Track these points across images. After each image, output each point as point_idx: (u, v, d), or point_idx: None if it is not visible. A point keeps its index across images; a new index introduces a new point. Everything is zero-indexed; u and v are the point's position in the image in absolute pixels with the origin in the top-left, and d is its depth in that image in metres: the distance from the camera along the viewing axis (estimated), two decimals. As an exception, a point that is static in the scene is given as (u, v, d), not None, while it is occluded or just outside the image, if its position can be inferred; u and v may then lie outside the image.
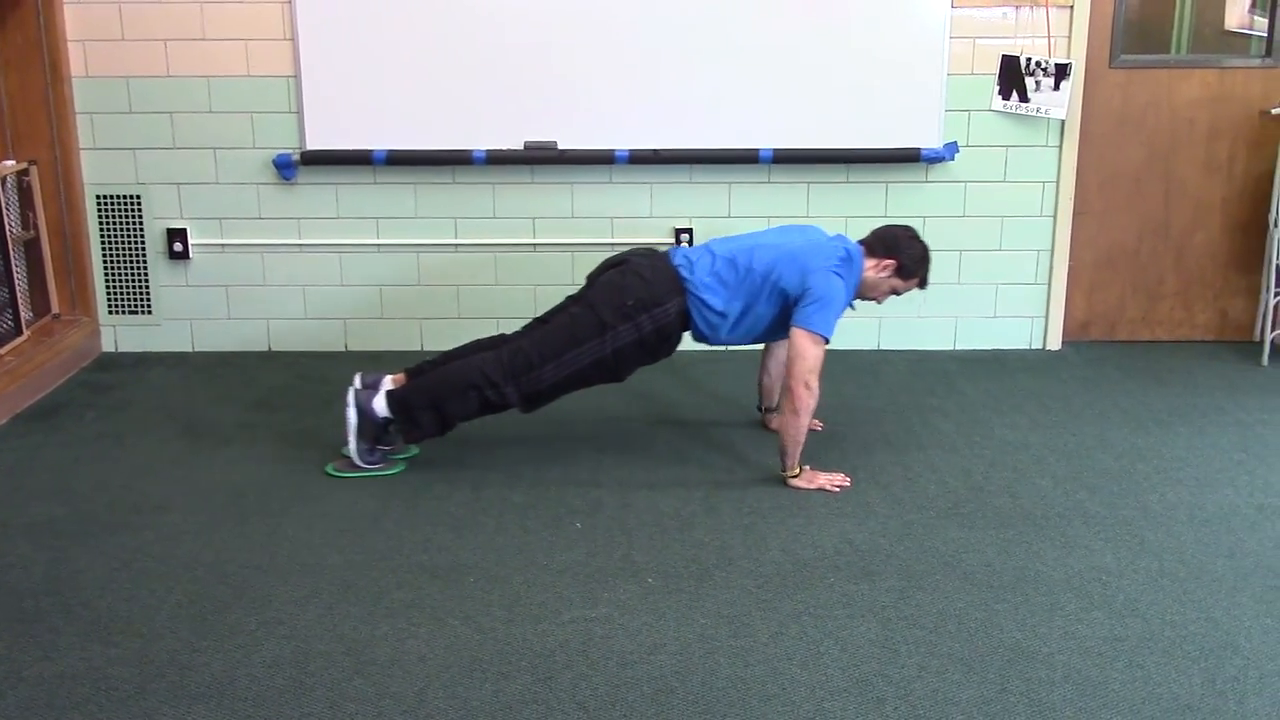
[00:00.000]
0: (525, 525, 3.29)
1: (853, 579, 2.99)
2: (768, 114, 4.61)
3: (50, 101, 4.53)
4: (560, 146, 4.62)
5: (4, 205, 4.36)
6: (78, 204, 4.66)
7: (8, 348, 4.32)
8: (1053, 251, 4.82)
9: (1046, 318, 4.89)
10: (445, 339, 4.76)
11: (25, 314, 4.49)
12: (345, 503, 3.43)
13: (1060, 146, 4.71)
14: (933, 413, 4.18)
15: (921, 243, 3.65)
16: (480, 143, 4.61)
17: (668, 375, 4.47)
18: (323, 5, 4.50)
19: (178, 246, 4.74)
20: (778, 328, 3.60)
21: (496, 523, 3.31)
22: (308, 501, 3.44)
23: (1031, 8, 4.58)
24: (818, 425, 4.00)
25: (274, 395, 4.35)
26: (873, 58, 4.58)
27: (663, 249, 3.69)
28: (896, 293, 3.69)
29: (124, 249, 4.76)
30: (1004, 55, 4.62)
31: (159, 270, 4.79)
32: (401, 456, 3.70)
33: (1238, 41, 4.81)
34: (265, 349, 4.86)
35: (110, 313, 4.82)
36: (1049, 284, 4.86)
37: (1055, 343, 4.92)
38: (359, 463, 3.59)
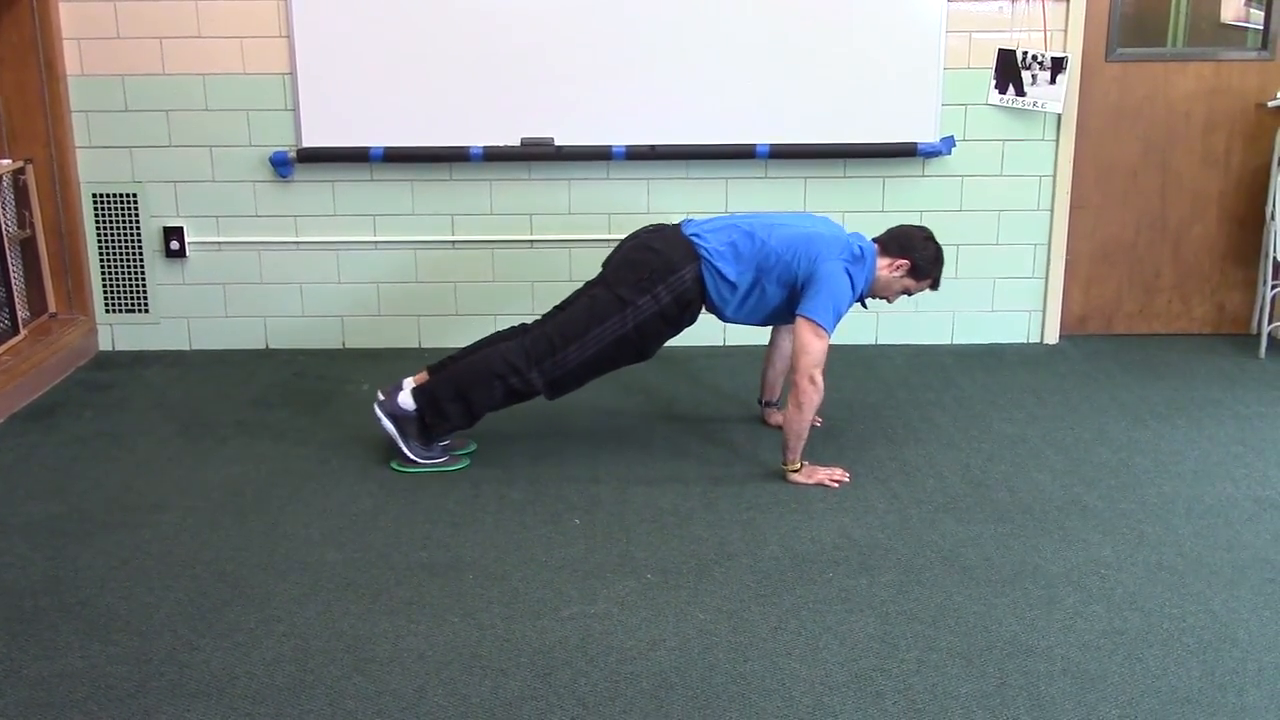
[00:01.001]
0: (524, 522, 3.29)
1: (851, 574, 2.99)
2: (764, 109, 4.60)
3: (46, 100, 4.53)
4: (557, 143, 4.61)
5: (0, 204, 4.35)
6: (74, 202, 4.66)
7: (4, 347, 4.32)
8: (1050, 245, 4.82)
9: (1044, 311, 4.90)
10: (443, 336, 4.77)
11: (22, 313, 4.49)
12: (344, 500, 3.43)
13: (1057, 140, 4.71)
14: (930, 407, 4.18)
15: (936, 244, 3.64)
16: (477, 139, 4.60)
17: (666, 370, 4.47)
18: (318, 2, 4.50)
19: (174, 245, 4.74)
20: (783, 312, 3.58)
21: (495, 519, 3.31)
22: (306, 499, 3.44)
23: (1028, 1, 4.58)
24: (817, 421, 3.99)
25: (271, 393, 4.35)
26: (869, 52, 4.57)
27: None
28: (909, 293, 3.68)
29: (120, 247, 4.76)
30: (1000, 49, 4.62)
31: (156, 269, 4.78)
32: (463, 452, 3.71)
33: (1234, 34, 4.81)
34: (263, 347, 4.85)
35: (107, 311, 4.82)
36: (1046, 278, 4.86)
37: (1053, 336, 4.92)
38: (418, 460, 3.60)
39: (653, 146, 4.62)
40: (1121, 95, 4.79)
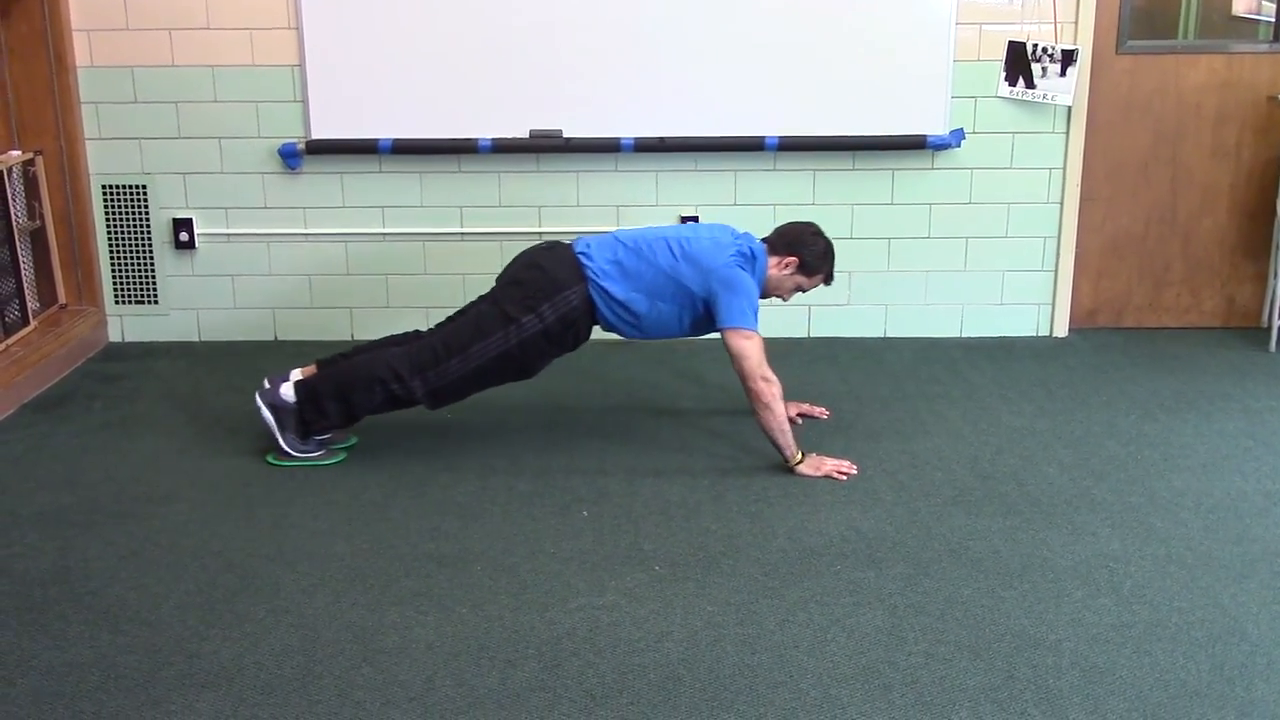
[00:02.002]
0: (532, 513, 3.29)
1: (859, 566, 2.99)
2: (773, 101, 4.60)
3: (55, 91, 4.54)
4: (566, 134, 4.61)
5: (10, 195, 4.36)
6: (83, 194, 4.67)
7: (15, 338, 4.33)
8: (1059, 238, 4.81)
9: (1053, 305, 4.88)
10: (451, 328, 4.77)
11: (32, 304, 4.50)
12: (352, 492, 3.43)
13: (1067, 133, 4.70)
14: (939, 400, 4.17)
15: (824, 239, 3.66)
16: (486, 131, 4.60)
17: (673, 366, 4.47)
18: (327, -6, 4.51)
19: (183, 236, 4.74)
20: (701, 325, 3.59)
21: (503, 511, 3.31)
22: (314, 491, 3.44)
23: (1038, -7, 4.57)
24: (823, 413, 4.00)
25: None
26: (879, 44, 4.56)
27: (568, 239, 3.66)
28: (802, 289, 3.69)
29: (130, 239, 4.77)
30: (1010, 41, 4.60)
31: (165, 260, 4.79)
32: (342, 446, 3.70)
33: (1245, 27, 4.79)
34: (271, 338, 4.86)
35: (117, 303, 4.83)
36: (1056, 271, 4.84)
37: (1062, 330, 4.91)
38: (293, 453, 3.60)
39: (661, 138, 4.62)
40: (1132, 88, 4.78)
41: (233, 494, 3.42)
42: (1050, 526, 3.21)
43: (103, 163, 4.69)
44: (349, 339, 4.83)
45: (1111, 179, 4.86)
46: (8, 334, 4.30)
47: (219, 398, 4.21)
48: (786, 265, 3.61)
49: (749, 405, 3.50)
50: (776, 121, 4.61)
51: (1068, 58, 4.58)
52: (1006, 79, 4.64)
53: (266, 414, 3.58)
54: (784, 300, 3.75)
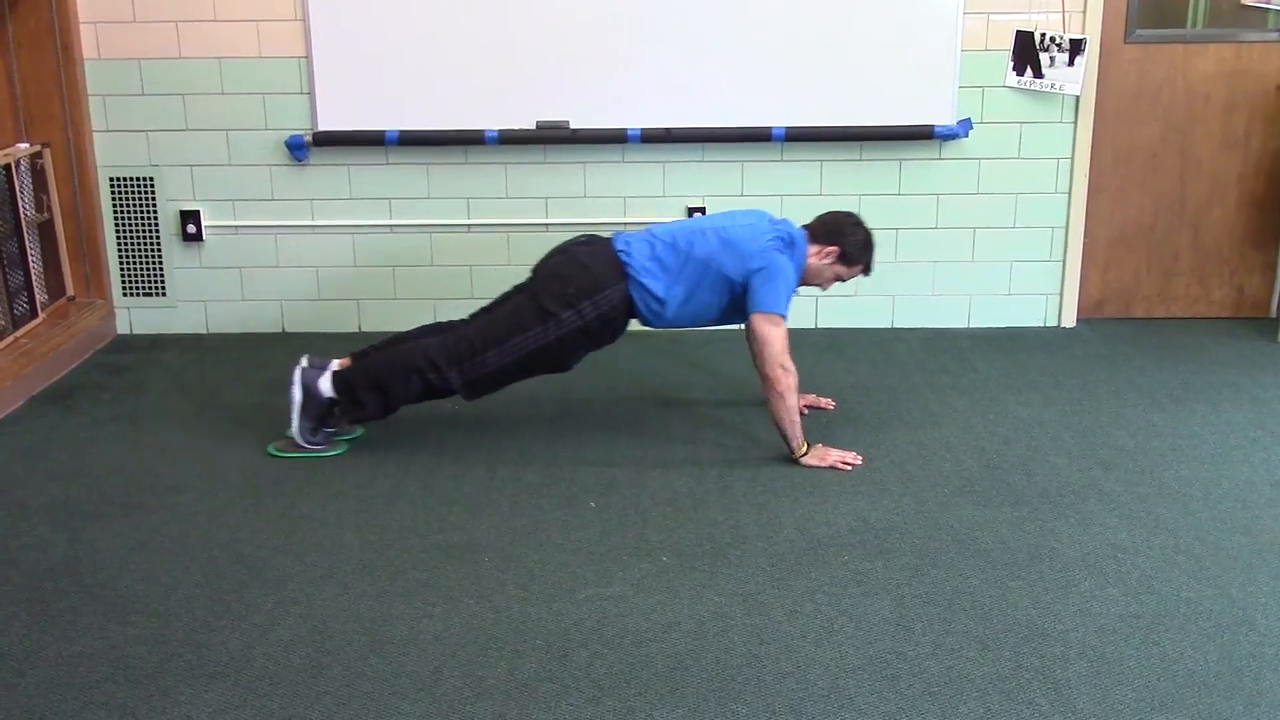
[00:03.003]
0: (539, 504, 3.30)
1: (867, 557, 2.99)
2: (780, 92, 4.59)
3: (63, 84, 4.54)
4: (573, 126, 4.61)
5: (18, 188, 4.37)
6: (91, 186, 4.67)
7: (23, 330, 4.34)
8: (1067, 228, 4.80)
9: (1061, 295, 4.87)
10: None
11: (40, 296, 4.51)
12: (360, 483, 3.44)
13: (1075, 123, 4.69)
14: (947, 390, 4.17)
15: (865, 229, 3.65)
16: (492, 122, 4.60)
17: (679, 357, 4.47)
18: (334, -15, 4.50)
19: (191, 228, 4.75)
20: (730, 313, 3.59)
21: (511, 502, 3.31)
22: (322, 482, 3.45)
23: (1046, -18, 4.56)
24: (829, 404, 4.00)
25: (288, 376, 4.35)
26: (886, 34, 4.55)
27: (606, 235, 3.66)
28: (840, 279, 3.69)
29: (138, 231, 4.78)
30: (1018, 31, 4.59)
31: (173, 252, 4.80)
32: (345, 438, 3.70)
33: (1254, 15, 4.76)
34: (279, 330, 4.87)
35: (125, 295, 4.84)
36: (1064, 261, 4.83)
37: (1070, 320, 4.90)
38: (301, 442, 3.60)
39: (668, 129, 4.61)
40: (1140, 77, 4.76)
41: (241, 485, 3.43)
42: (1058, 517, 3.20)
43: (110, 155, 4.70)
44: (356, 331, 4.84)
45: (1120, 169, 4.85)
46: (16, 326, 4.31)
47: (227, 389, 4.22)
48: (827, 254, 3.60)
49: (762, 392, 3.50)
50: (783, 112, 4.60)
51: (1076, 47, 4.56)
52: (1014, 69, 4.63)
53: (297, 393, 3.56)
54: (823, 289, 3.74)
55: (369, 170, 4.71)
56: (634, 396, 4.12)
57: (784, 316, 3.45)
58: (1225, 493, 3.35)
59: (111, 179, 4.72)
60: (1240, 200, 4.89)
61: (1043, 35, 4.57)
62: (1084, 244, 4.84)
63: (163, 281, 4.82)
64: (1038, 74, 4.61)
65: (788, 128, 4.60)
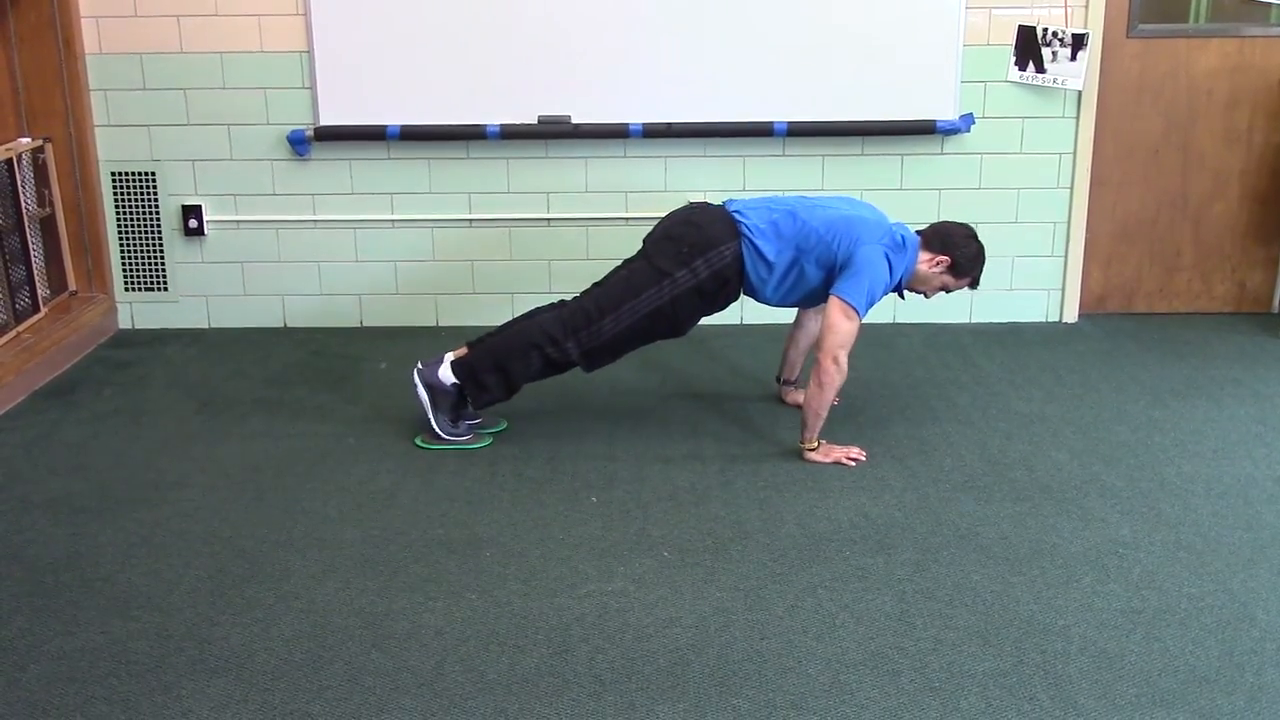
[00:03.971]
0: (541, 499, 3.30)
1: (868, 552, 2.99)
2: (782, 86, 4.58)
3: (64, 78, 4.54)
4: (574, 120, 4.60)
5: (20, 183, 4.37)
6: (93, 181, 4.67)
7: (25, 325, 4.34)
8: (1069, 223, 4.80)
9: (1063, 290, 4.87)
10: (460, 315, 4.78)
11: (42, 291, 4.51)
12: (362, 478, 3.44)
13: (1077, 117, 4.68)
14: (948, 386, 4.17)
15: (978, 242, 3.62)
16: (494, 117, 4.60)
17: (682, 349, 4.47)
18: (335, -20, 4.50)
19: (193, 223, 4.75)
20: (820, 294, 3.56)
21: (512, 497, 3.31)
22: (324, 477, 3.45)
23: (1048, -23, 4.55)
24: (836, 400, 3.98)
25: (289, 371, 4.36)
26: (888, 29, 4.54)
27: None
28: (947, 289, 3.65)
29: (139, 226, 4.78)
30: (1020, 25, 4.58)
31: (174, 247, 4.80)
32: (490, 430, 3.71)
33: (1257, 10, 4.76)
34: (280, 325, 4.87)
35: (126, 289, 4.84)
36: (1065, 256, 4.83)
37: (1072, 315, 4.90)
38: (443, 435, 3.61)
39: (670, 124, 4.61)
40: (1143, 72, 4.75)
41: (243, 480, 3.43)
42: (1059, 512, 3.20)
43: (112, 150, 4.70)
44: (358, 325, 4.84)
45: (1122, 164, 4.84)
46: (18, 321, 4.31)
47: (229, 384, 4.22)
48: (938, 263, 3.58)
49: (811, 373, 3.47)
50: (785, 107, 4.60)
51: (1078, 42, 4.55)
52: (1016, 63, 4.62)
53: (422, 393, 3.58)
54: (926, 297, 3.72)
55: (370, 165, 4.71)
56: (636, 390, 4.12)
57: (859, 312, 3.42)
58: (1227, 488, 3.35)
59: (113, 173, 4.72)
60: (1242, 195, 4.89)
61: (1045, 30, 4.56)
62: (1086, 239, 4.83)
63: (164, 276, 4.82)
64: (1040, 69, 4.60)
65: (789, 122, 4.60)
